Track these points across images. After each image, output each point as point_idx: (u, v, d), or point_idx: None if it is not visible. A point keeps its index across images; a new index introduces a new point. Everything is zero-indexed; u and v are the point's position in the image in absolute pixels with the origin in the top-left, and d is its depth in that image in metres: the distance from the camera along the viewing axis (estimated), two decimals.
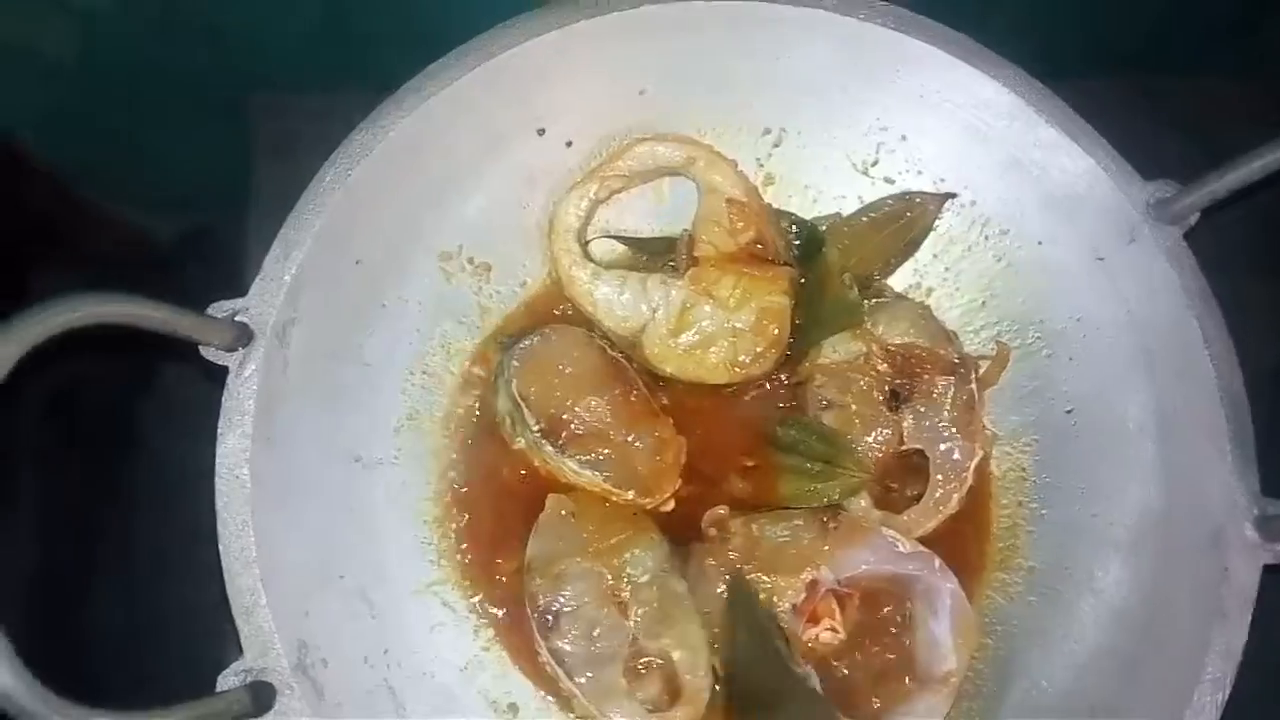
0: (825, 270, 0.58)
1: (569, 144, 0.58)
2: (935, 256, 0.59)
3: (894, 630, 0.51)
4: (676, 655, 0.51)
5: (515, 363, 0.54)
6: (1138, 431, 0.52)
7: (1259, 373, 0.50)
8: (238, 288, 0.50)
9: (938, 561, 0.52)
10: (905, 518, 0.54)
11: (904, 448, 0.55)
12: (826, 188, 0.60)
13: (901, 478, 0.55)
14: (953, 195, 0.57)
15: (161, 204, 0.70)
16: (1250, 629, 0.45)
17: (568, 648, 0.50)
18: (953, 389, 0.54)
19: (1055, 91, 0.53)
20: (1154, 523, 0.50)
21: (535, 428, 0.53)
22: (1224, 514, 0.47)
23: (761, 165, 0.60)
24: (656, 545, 0.53)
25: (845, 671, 0.51)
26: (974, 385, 0.55)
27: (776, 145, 0.59)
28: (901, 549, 0.52)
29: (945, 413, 0.54)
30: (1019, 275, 0.56)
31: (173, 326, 0.44)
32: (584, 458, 0.53)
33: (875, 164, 0.59)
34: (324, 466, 0.51)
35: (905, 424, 0.55)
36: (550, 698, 0.53)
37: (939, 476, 0.54)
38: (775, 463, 0.55)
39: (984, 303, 0.58)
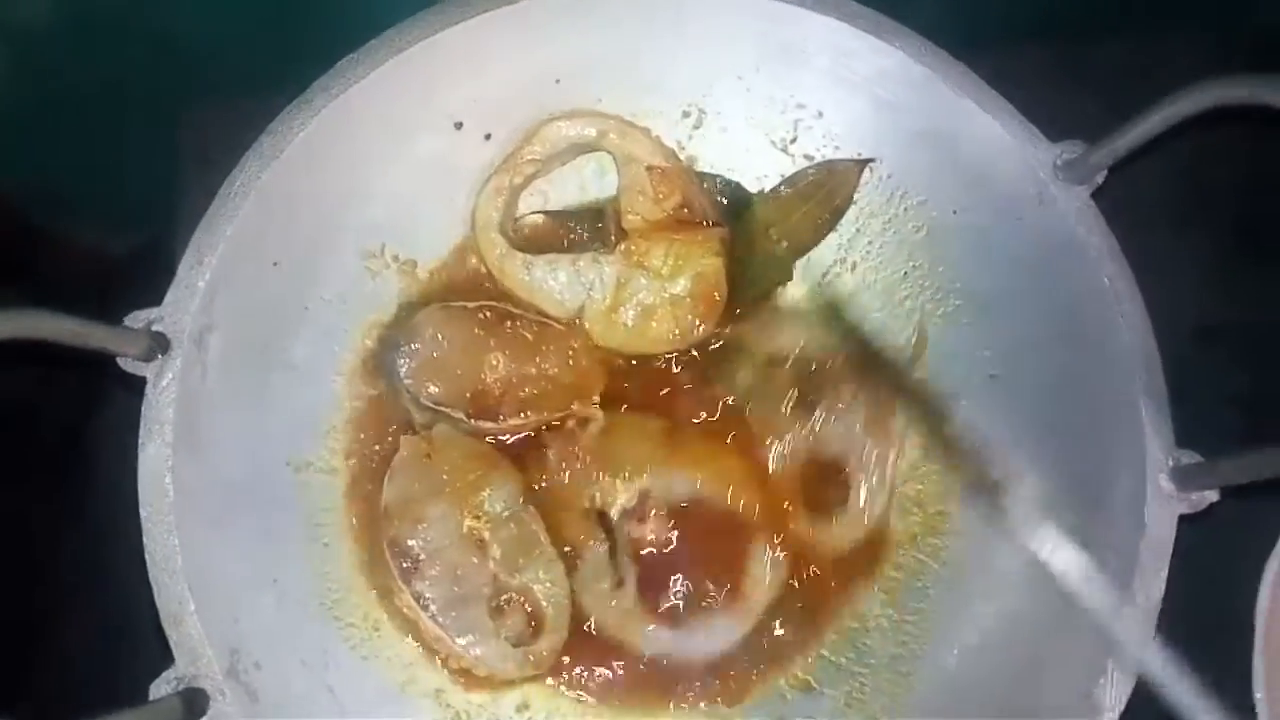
0: (753, 228, 0.58)
1: (488, 136, 0.57)
2: (858, 230, 0.59)
3: (727, 558, 0.53)
4: (537, 589, 0.52)
5: (408, 380, 0.54)
6: (1057, 390, 0.53)
7: (1174, 324, 0.51)
8: None
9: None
10: (835, 527, 0.55)
11: (821, 455, 0.55)
12: (749, 167, 0.60)
13: (824, 485, 0.56)
14: (871, 161, 0.58)
15: (113, 221, 0.69)
16: (1168, 577, 0.46)
17: (429, 592, 0.51)
18: (860, 392, 0.55)
19: (977, 60, 0.53)
20: (1075, 479, 0.51)
21: (467, 420, 0.54)
22: (1140, 467, 0.48)
23: (683, 148, 0.60)
24: (511, 479, 0.53)
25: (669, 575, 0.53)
26: (880, 387, 0.56)
27: (696, 127, 0.60)
28: None
29: (857, 416, 0.55)
30: (938, 244, 0.57)
31: (85, 339, 0.44)
32: (521, 412, 0.54)
33: (794, 141, 0.59)
34: (253, 472, 0.51)
35: (819, 430, 0.55)
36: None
37: (860, 479, 0.55)
38: None
39: (906, 273, 0.58)
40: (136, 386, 0.47)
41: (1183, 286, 0.61)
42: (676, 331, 0.56)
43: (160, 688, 0.44)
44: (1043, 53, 0.67)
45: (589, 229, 0.59)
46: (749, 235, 0.58)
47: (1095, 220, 0.50)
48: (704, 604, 0.53)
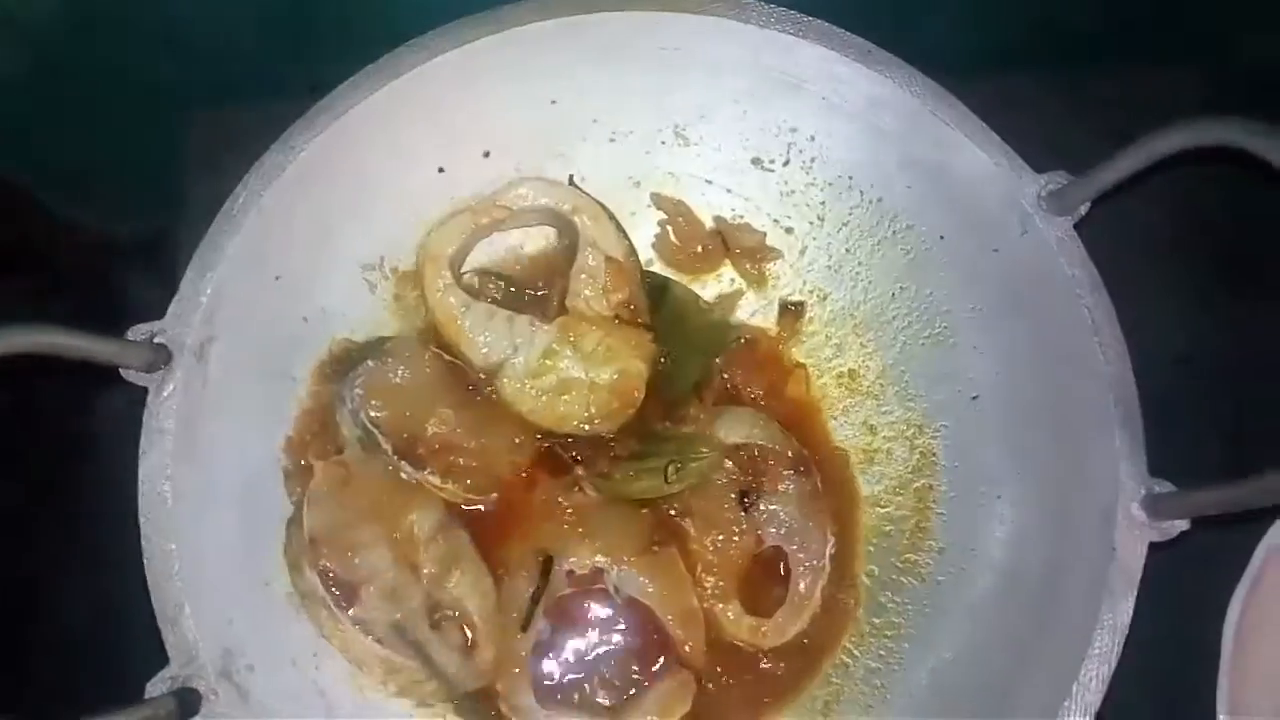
0: (678, 304, 0.60)
1: (486, 154, 0.59)
2: (848, 251, 0.61)
3: (631, 673, 0.53)
4: (469, 603, 0.52)
5: (359, 391, 0.54)
6: (1036, 415, 0.54)
7: (1152, 354, 0.52)
8: None
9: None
10: (777, 620, 0.55)
11: (762, 548, 0.56)
12: (740, 187, 0.62)
13: (765, 580, 0.56)
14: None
15: (114, 211, 0.71)
16: (1136, 604, 0.47)
17: (369, 615, 0.50)
18: (796, 482, 0.56)
19: (968, 88, 0.54)
20: (1050, 503, 0.53)
21: (390, 455, 0.53)
22: (1113, 494, 0.49)
23: (674, 164, 0.61)
24: (433, 502, 0.53)
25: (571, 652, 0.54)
26: (816, 477, 0.56)
27: (689, 145, 0.61)
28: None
29: (794, 506, 0.56)
30: (924, 267, 0.58)
31: (91, 353, 0.46)
32: (444, 476, 0.54)
33: (786, 163, 0.60)
34: (248, 477, 0.53)
35: (760, 522, 0.56)
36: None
37: (799, 569, 0.55)
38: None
39: (894, 294, 0.60)
40: (132, 389, 0.49)
41: (1165, 316, 0.61)
42: (585, 415, 0.55)
43: (156, 687, 0.46)
44: (1034, 82, 0.67)
45: (530, 300, 0.59)
46: (676, 313, 0.60)
47: (1077, 251, 0.51)
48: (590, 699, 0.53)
